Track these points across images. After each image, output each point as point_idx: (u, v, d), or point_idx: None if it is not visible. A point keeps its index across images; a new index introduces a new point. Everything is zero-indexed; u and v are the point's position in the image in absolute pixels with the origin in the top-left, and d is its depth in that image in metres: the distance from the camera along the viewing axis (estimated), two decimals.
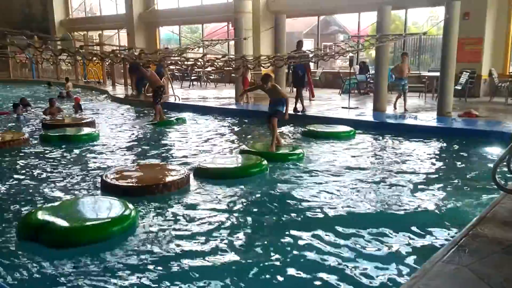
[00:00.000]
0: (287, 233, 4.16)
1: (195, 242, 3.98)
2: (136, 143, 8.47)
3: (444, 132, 8.52)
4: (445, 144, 7.80)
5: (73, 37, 24.01)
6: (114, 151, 7.71)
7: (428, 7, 15.82)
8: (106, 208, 4.44)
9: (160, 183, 5.24)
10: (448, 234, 4.02)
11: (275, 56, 7.85)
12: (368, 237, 4.03)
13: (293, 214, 4.61)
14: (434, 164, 6.61)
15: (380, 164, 6.61)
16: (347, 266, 3.51)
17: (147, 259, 3.67)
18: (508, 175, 4.45)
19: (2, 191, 5.52)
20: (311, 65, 12.84)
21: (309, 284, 3.32)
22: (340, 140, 8.12)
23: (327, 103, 12.65)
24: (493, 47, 13.15)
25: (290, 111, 10.30)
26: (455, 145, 7.64)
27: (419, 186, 5.45)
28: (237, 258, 3.70)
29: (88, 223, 4.12)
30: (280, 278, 3.39)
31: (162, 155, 7.44)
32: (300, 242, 3.95)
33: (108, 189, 5.23)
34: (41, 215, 4.19)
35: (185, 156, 7.24)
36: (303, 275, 3.42)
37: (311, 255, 3.71)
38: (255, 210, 4.80)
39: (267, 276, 3.43)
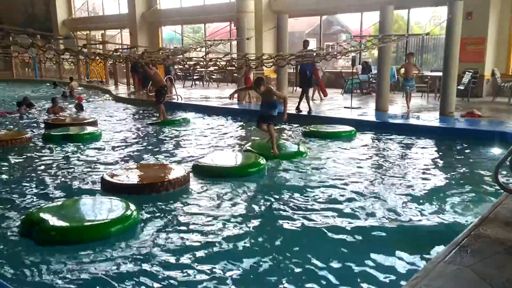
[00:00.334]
0: (286, 232, 4.16)
1: (195, 241, 3.97)
2: (138, 142, 8.48)
3: (446, 132, 8.50)
4: (447, 144, 7.78)
5: (76, 36, 24.05)
6: (116, 151, 7.72)
7: (430, 7, 15.78)
8: (108, 208, 4.45)
9: (160, 182, 5.24)
10: (450, 234, 4.00)
11: (278, 55, 7.84)
12: (369, 237, 4.03)
13: (292, 214, 4.60)
14: (436, 164, 6.60)
15: (381, 164, 6.60)
16: (348, 266, 3.51)
17: (147, 259, 3.67)
18: (511, 176, 4.44)
19: (3, 190, 5.53)
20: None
21: (310, 284, 3.31)
22: (341, 140, 8.10)
23: (329, 102, 12.65)
24: (496, 47, 13.11)
25: (293, 110, 10.34)
26: (457, 145, 7.62)
27: (421, 186, 5.44)
28: (237, 257, 3.69)
29: (90, 223, 4.14)
30: (280, 277, 3.38)
31: (164, 154, 7.45)
32: (301, 242, 3.94)
33: (108, 188, 5.23)
34: (43, 214, 4.21)
35: (186, 156, 7.24)
36: (304, 274, 3.42)
37: (311, 254, 3.70)
38: (255, 209, 4.80)
39: (267, 275, 3.43)
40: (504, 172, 5.00)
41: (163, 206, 4.82)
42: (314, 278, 3.37)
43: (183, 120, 10.48)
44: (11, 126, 10.39)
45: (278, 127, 8.89)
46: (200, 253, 3.76)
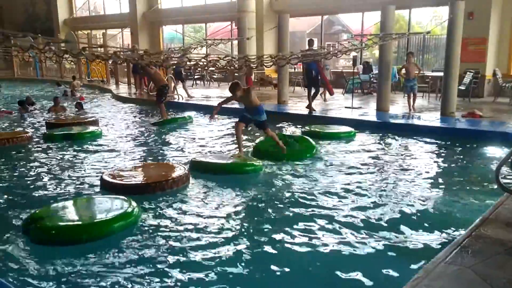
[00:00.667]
0: (286, 231, 4.15)
1: (194, 241, 3.97)
2: (138, 141, 8.48)
3: (447, 132, 8.49)
4: (448, 145, 7.77)
5: (77, 36, 24.07)
6: (117, 150, 7.72)
7: (432, 6, 15.76)
8: (110, 206, 4.46)
9: (159, 181, 5.22)
10: (451, 234, 4.00)
11: (278, 55, 7.84)
12: (370, 237, 4.01)
13: (292, 213, 4.59)
14: (437, 165, 6.59)
15: (382, 164, 6.58)
16: (349, 266, 3.50)
17: (147, 258, 3.68)
18: None
19: (3, 189, 5.53)
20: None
21: (310, 284, 3.31)
22: (341, 140, 8.08)
23: (330, 102, 12.63)
24: (497, 47, 13.09)
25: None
26: (459, 146, 7.60)
27: (422, 187, 5.43)
28: (237, 256, 3.69)
29: (96, 220, 4.16)
30: (280, 277, 3.38)
31: (164, 153, 7.45)
32: (302, 241, 3.93)
33: (108, 188, 5.21)
34: (43, 214, 4.23)
35: (187, 155, 7.23)
36: (304, 274, 3.41)
37: (312, 254, 3.70)
38: (254, 207, 4.80)
39: (268, 274, 3.42)
40: (505, 173, 4.99)
41: (163, 206, 4.82)
42: (315, 278, 3.36)
43: (184, 119, 10.48)
44: (12, 125, 10.40)
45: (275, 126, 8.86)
46: (200, 253, 3.76)
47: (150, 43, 22.94)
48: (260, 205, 4.90)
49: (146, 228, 4.26)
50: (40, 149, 7.75)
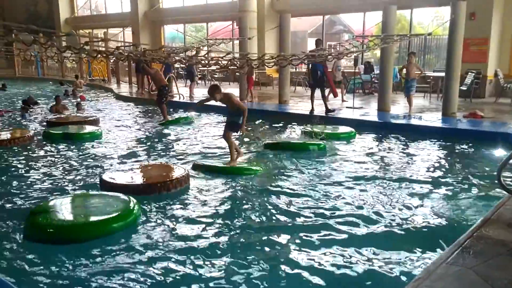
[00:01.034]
0: (286, 230, 4.15)
1: (195, 241, 3.97)
2: (139, 141, 8.48)
3: (448, 132, 8.47)
4: (449, 145, 7.76)
5: (79, 35, 24.08)
6: (117, 150, 7.72)
7: (433, 7, 15.75)
8: (112, 204, 4.46)
9: (160, 182, 5.20)
10: (452, 235, 3.99)
11: (279, 55, 7.82)
12: (371, 237, 4.01)
13: (292, 213, 4.59)
14: (438, 165, 6.57)
15: (382, 165, 6.58)
16: (350, 267, 3.49)
17: (147, 257, 3.69)
18: None
19: (4, 188, 5.54)
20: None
21: (312, 284, 3.30)
22: (341, 140, 8.06)
23: (331, 102, 12.57)
24: (499, 47, 13.07)
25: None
26: (460, 146, 7.59)
27: (423, 187, 5.42)
28: (237, 254, 3.69)
29: (95, 219, 4.16)
30: (280, 277, 3.38)
31: (165, 154, 7.44)
32: (303, 241, 3.93)
33: (107, 188, 5.17)
34: (42, 213, 4.23)
35: (188, 155, 7.23)
36: (305, 274, 3.40)
37: (313, 254, 3.70)
38: (255, 207, 4.80)
39: (269, 274, 3.42)
40: (507, 174, 4.98)
41: (163, 206, 4.81)
42: (316, 278, 3.36)
43: (185, 119, 10.47)
44: (13, 124, 10.40)
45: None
46: (199, 253, 3.75)
47: (151, 42, 22.92)
48: (260, 206, 4.89)
49: (145, 228, 4.26)
50: (41, 148, 7.75)
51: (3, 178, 5.96)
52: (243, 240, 4.01)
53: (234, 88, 15.73)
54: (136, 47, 5.84)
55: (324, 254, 3.72)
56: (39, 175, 6.10)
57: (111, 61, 19.18)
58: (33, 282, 3.35)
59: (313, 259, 3.63)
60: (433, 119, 9.43)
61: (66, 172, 6.23)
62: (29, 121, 10.99)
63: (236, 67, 7.62)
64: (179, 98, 13.85)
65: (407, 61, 10.70)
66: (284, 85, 12.41)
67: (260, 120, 10.25)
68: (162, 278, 3.38)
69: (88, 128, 8.94)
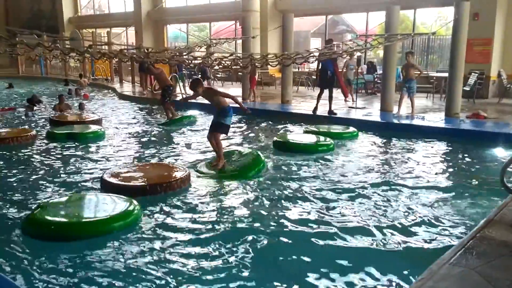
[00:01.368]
0: (287, 231, 4.16)
1: (195, 241, 3.98)
2: (141, 141, 8.49)
3: (452, 133, 8.46)
4: (452, 146, 7.75)
5: (82, 34, 24.14)
6: (119, 149, 7.73)
7: (437, 7, 15.72)
8: (111, 204, 4.48)
9: (161, 182, 5.18)
10: (456, 236, 3.99)
11: (283, 54, 7.83)
12: (373, 238, 4.02)
13: (293, 213, 4.59)
14: (440, 166, 6.57)
15: (384, 165, 6.58)
16: (352, 267, 3.50)
17: (147, 256, 3.71)
18: None
19: (5, 186, 5.57)
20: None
21: (313, 285, 3.31)
22: (343, 140, 8.06)
23: (334, 102, 12.57)
24: (502, 48, 13.04)
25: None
26: (463, 147, 7.58)
27: (425, 188, 5.41)
28: (238, 255, 3.70)
29: (95, 218, 4.19)
30: (281, 277, 3.38)
31: (166, 153, 7.43)
32: (304, 241, 3.93)
33: (108, 188, 5.17)
34: (44, 211, 4.27)
35: (189, 155, 7.23)
36: (307, 275, 3.41)
37: (315, 255, 3.70)
38: (257, 207, 4.80)
39: (270, 274, 3.43)
40: (510, 174, 4.97)
41: (163, 207, 4.80)
42: (318, 279, 3.37)
43: (188, 118, 10.48)
44: (16, 123, 10.44)
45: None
46: (199, 253, 3.77)
47: (154, 42, 22.99)
48: (260, 206, 4.89)
49: (145, 228, 4.27)
50: (43, 148, 7.78)
51: (4, 176, 5.99)
52: (245, 241, 4.00)
53: (237, 88, 15.76)
54: (139, 49, 5.84)
55: (327, 254, 3.73)
56: (40, 174, 6.12)
57: (115, 61, 19.23)
58: (33, 279, 3.37)
59: (316, 260, 3.63)
60: (436, 120, 9.42)
61: (67, 172, 6.25)
62: (32, 119, 11.03)
63: (239, 67, 7.62)
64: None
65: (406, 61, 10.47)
66: (287, 84, 12.42)
67: (263, 120, 10.26)
68: (163, 278, 3.39)
69: (91, 128, 8.97)
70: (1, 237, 4.05)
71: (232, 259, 3.64)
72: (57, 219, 4.11)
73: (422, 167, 6.45)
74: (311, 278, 3.37)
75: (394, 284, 3.30)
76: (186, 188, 5.35)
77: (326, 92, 10.24)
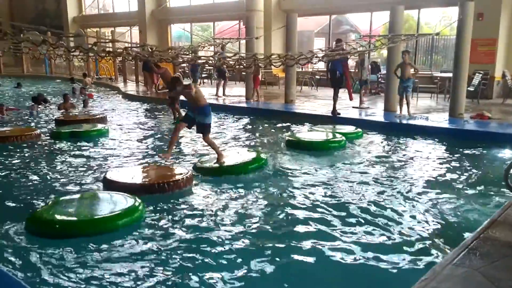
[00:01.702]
0: (287, 231, 4.16)
1: (196, 241, 3.99)
2: (145, 140, 8.51)
3: (455, 133, 8.44)
4: (456, 146, 7.73)
5: (86, 33, 24.20)
6: (122, 148, 7.75)
7: (441, 7, 15.67)
8: (115, 202, 4.50)
9: (162, 182, 5.18)
10: (459, 236, 3.99)
11: (286, 55, 7.83)
12: (377, 238, 4.02)
13: (294, 214, 4.59)
14: (444, 166, 6.55)
15: (388, 165, 6.57)
16: (355, 268, 3.50)
17: (149, 255, 3.73)
18: None
19: (9, 185, 5.60)
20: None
21: (317, 283, 3.32)
22: (348, 140, 8.04)
23: (337, 102, 12.57)
24: (507, 48, 12.98)
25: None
26: (467, 147, 7.55)
27: (429, 188, 5.41)
28: (238, 255, 3.71)
29: (99, 216, 4.21)
30: (281, 277, 3.39)
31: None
32: (305, 242, 3.93)
33: (110, 187, 5.19)
34: (47, 210, 4.32)
35: (192, 155, 7.23)
36: (309, 276, 3.42)
37: (317, 256, 3.70)
38: (259, 206, 4.82)
39: (271, 274, 3.43)
40: None
41: (165, 207, 4.80)
42: (319, 279, 3.37)
43: None
44: (22, 122, 10.49)
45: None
46: (199, 253, 3.78)
47: (158, 41, 23.02)
48: (260, 206, 4.90)
49: (149, 226, 4.29)
50: (47, 146, 7.82)
51: (8, 175, 6.02)
52: (247, 241, 4.01)
53: (241, 87, 15.77)
54: (143, 48, 5.86)
55: (330, 254, 3.73)
56: (43, 172, 6.15)
57: (119, 60, 19.29)
58: (37, 276, 3.40)
59: (319, 260, 3.64)
60: (440, 120, 9.40)
61: (70, 170, 6.28)
62: (37, 118, 11.07)
63: (243, 67, 7.63)
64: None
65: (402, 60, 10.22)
66: (290, 84, 12.42)
67: (267, 120, 10.26)
68: (163, 277, 3.40)
69: (95, 126, 9.00)
70: (5, 235, 4.08)
71: (235, 259, 3.65)
72: (61, 217, 4.14)
73: (424, 167, 6.44)
74: (315, 277, 3.38)
75: (397, 283, 3.30)
76: (189, 188, 5.35)
77: (327, 92, 10.23)
